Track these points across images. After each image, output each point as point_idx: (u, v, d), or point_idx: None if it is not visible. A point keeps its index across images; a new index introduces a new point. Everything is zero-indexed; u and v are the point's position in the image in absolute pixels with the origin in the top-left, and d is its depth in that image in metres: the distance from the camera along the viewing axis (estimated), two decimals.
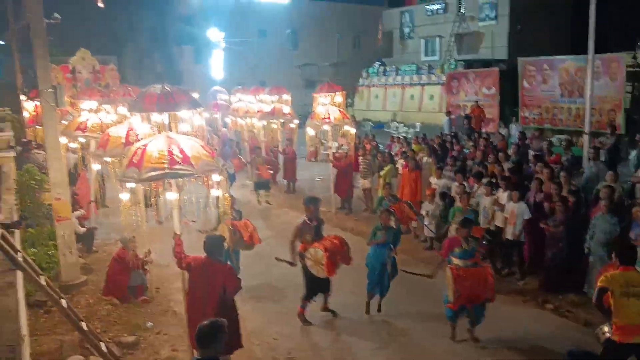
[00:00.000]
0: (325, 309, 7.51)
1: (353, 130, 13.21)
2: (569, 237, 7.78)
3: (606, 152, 11.94)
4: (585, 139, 11.22)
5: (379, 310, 7.51)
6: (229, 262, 8.01)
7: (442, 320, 6.92)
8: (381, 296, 7.51)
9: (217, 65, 32.89)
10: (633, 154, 12.54)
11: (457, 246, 6.55)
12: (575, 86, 19.13)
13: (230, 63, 32.89)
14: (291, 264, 7.22)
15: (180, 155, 5.23)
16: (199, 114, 7.04)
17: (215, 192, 5.65)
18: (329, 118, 12.33)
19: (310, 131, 13.53)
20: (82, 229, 9.63)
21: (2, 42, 18.68)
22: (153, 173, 5.16)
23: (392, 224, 7.65)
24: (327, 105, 13.67)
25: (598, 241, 7.34)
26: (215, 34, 32.18)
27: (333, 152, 13.11)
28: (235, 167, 14.65)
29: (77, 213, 9.71)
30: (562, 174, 9.32)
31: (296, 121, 16.33)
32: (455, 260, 6.52)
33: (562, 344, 6.42)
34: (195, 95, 19.57)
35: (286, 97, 18.19)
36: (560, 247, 7.81)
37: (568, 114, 19.68)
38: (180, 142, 5.42)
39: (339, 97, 16.41)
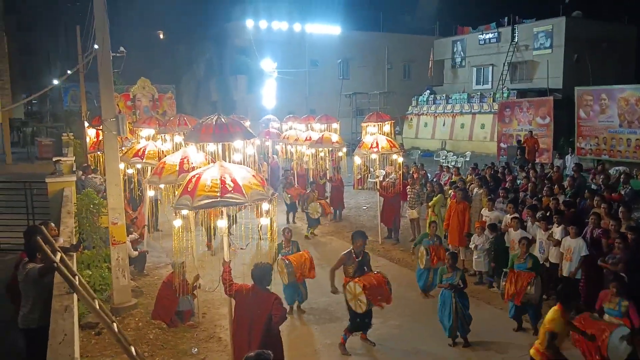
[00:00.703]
0: (365, 339, 7.42)
1: (401, 159, 13.15)
2: (628, 276, 7.37)
3: None
4: None
5: (466, 344, 7.28)
6: (300, 289, 8.40)
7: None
8: (463, 336, 7.33)
9: (269, 94, 33.71)
10: None
11: (607, 301, 6.20)
12: (636, 116, 18.41)
13: (282, 92, 33.65)
14: (334, 291, 7.25)
15: (232, 184, 5.38)
16: (251, 144, 7.22)
17: (264, 221, 5.74)
18: (376, 147, 12.34)
19: (357, 159, 13.58)
20: (135, 253, 9.95)
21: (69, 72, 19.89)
22: (206, 201, 5.33)
23: (458, 265, 7.70)
24: (375, 134, 13.68)
25: None
26: (268, 64, 33.10)
27: (380, 181, 13.07)
28: (293, 196, 14.72)
29: (132, 237, 10.07)
30: (621, 208, 8.89)
31: (344, 149, 16.44)
32: (606, 317, 6.15)
33: None
34: (247, 123, 20.11)
35: (335, 125, 18.40)
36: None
37: (627, 145, 18.91)
38: (232, 171, 5.59)
39: (387, 127, 16.43)
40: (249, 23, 33.97)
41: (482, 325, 7.81)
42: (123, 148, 12.19)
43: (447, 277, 7.41)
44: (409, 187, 13.07)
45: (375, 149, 12.35)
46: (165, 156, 9.22)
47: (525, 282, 7.42)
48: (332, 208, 14.94)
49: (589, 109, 20.22)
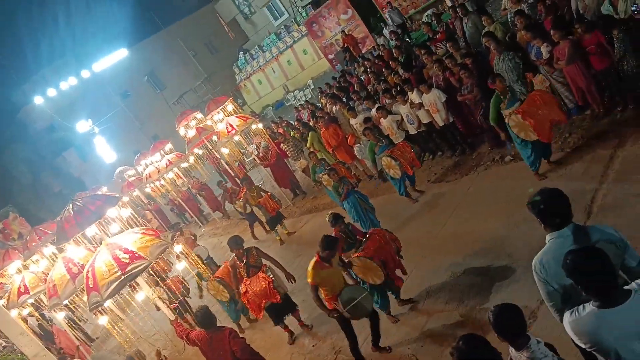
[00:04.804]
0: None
1: (260, 125, 13.16)
2: (486, 93, 8.12)
3: (471, 1, 12.36)
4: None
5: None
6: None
7: None
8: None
9: (104, 150, 31.74)
10: None
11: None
12: None
13: (116, 139, 31.79)
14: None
15: (127, 255, 5.11)
16: (120, 206, 6.80)
17: (180, 266, 5.56)
18: (232, 129, 12.20)
19: (224, 150, 13.41)
20: None
21: None
22: (113, 286, 5.05)
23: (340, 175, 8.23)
24: (223, 119, 13.49)
25: (510, 81, 7.69)
26: (83, 125, 30.92)
27: (257, 155, 13.06)
28: (248, 199, 11.12)
29: None
30: (447, 44, 9.64)
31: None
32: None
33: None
34: (104, 189, 18.92)
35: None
36: (484, 105, 8.14)
37: None
38: (119, 243, 5.30)
39: (230, 106, 16.25)
40: (38, 100, 31.13)
41: (393, 209, 8.49)
42: (3, 300, 10.92)
43: (340, 188, 8.04)
44: (282, 144, 13.20)
45: (233, 131, 12.21)
46: (48, 274, 8.42)
47: (406, 149, 8.33)
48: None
49: None
